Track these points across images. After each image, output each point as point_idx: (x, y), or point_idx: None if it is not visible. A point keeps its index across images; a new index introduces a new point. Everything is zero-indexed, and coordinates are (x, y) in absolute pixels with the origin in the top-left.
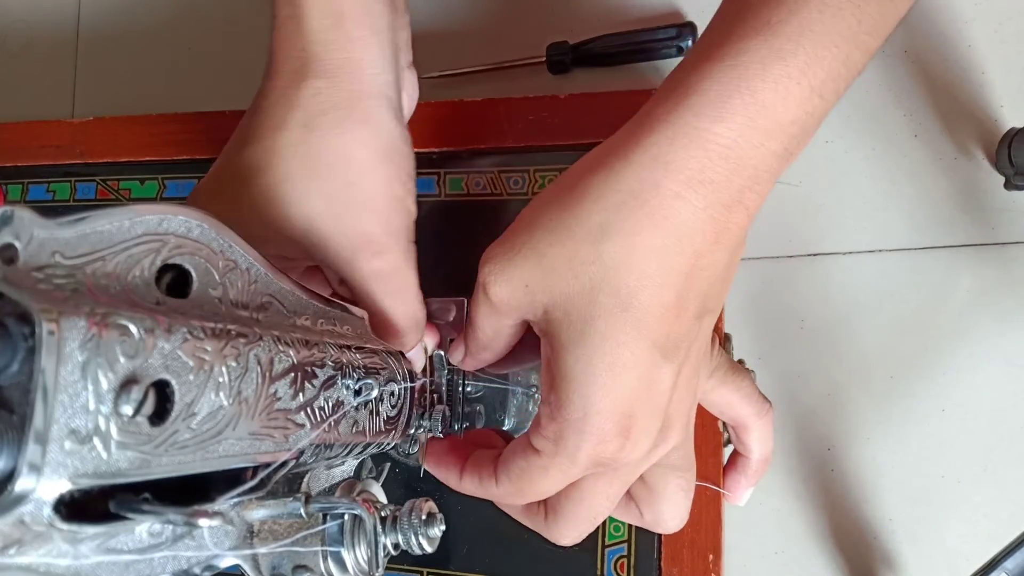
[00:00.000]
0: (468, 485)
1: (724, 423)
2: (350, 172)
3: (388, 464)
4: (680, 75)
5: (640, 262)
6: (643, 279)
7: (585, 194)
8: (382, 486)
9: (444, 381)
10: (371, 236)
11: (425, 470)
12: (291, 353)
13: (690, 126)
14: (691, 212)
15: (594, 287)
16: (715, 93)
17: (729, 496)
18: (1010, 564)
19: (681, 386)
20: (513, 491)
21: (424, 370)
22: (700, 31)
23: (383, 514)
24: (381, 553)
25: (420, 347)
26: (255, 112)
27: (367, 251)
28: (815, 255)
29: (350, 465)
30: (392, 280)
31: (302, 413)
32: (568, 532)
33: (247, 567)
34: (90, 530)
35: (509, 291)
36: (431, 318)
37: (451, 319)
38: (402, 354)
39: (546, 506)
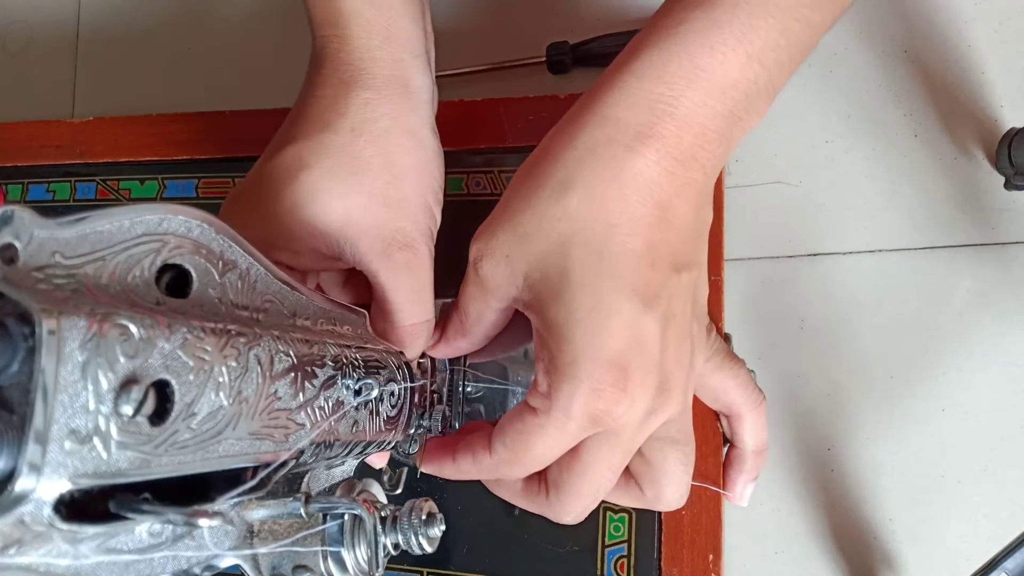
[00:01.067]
0: (462, 464)
1: (720, 420)
2: (392, 176)
3: (406, 469)
4: (629, 48)
5: (604, 212)
6: (609, 228)
7: (546, 157)
8: (399, 492)
9: (444, 381)
10: (405, 232)
11: (400, 491)
12: (291, 353)
13: (634, 87)
14: (645, 164)
15: (564, 241)
16: (656, 58)
17: (729, 495)
18: (1010, 564)
19: (672, 344)
20: (509, 458)
21: (424, 370)
22: None
23: (383, 514)
24: (381, 553)
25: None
26: (301, 117)
27: (398, 244)
28: (815, 255)
29: (350, 465)
30: (417, 274)
31: (302, 413)
32: (571, 507)
33: (247, 567)
34: (90, 530)
35: (492, 264)
36: None
37: None
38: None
39: (547, 483)
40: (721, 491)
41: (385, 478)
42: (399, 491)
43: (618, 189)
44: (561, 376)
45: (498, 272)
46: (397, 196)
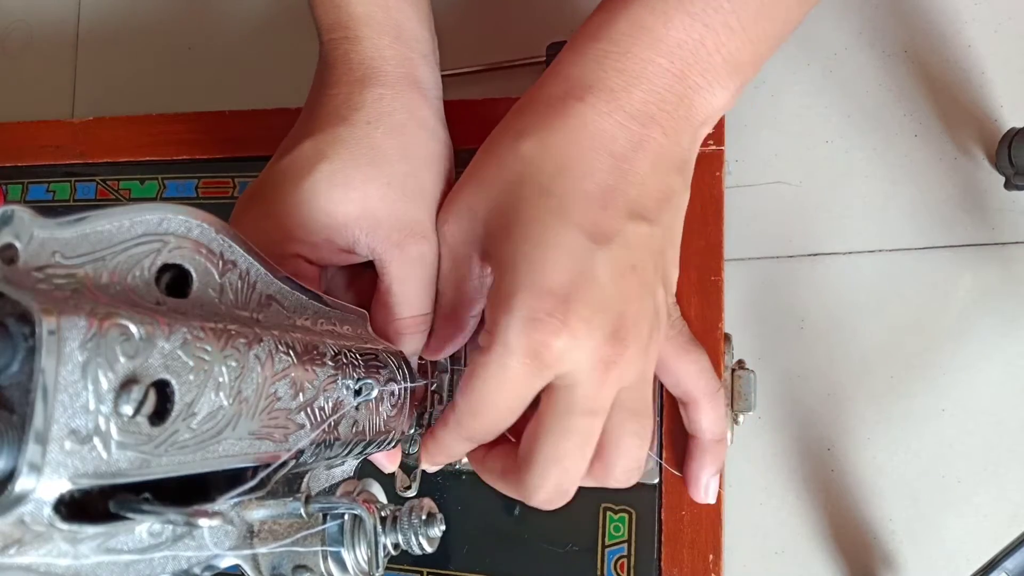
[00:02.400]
0: (438, 432)
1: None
2: (408, 166)
3: (420, 470)
4: (588, 17)
5: (555, 154)
6: (560, 168)
7: (509, 114)
8: (414, 494)
9: (444, 381)
10: (422, 223)
11: (414, 494)
12: (291, 353)
13: (587, 47)
14: (596, 115)
15: (516, 182)
16: (602, 19)
17: (693, 491)
18: (1010, 564)
19: (631, 292)
20: (466, 408)
21: (424, 370)
22: None
23: (383, 514)
24: (381, 553)
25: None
26: (316, 114)
27: (416, 235)
28: (815, 255)
29: (350, 465)
30: (427, 268)
31: (302, 413)
32: (540, 480)
33: (247, 567)
34: (90, 530)
35: (455, 220)
36: None
37: None
38: (402, 353)
39: (519, 460)
40: (676, 472)
41: (398, 482)
42: (414, 493)
43: (570, 135)
44: (500, 308)
45: (462, 227)
46: (415, 187)
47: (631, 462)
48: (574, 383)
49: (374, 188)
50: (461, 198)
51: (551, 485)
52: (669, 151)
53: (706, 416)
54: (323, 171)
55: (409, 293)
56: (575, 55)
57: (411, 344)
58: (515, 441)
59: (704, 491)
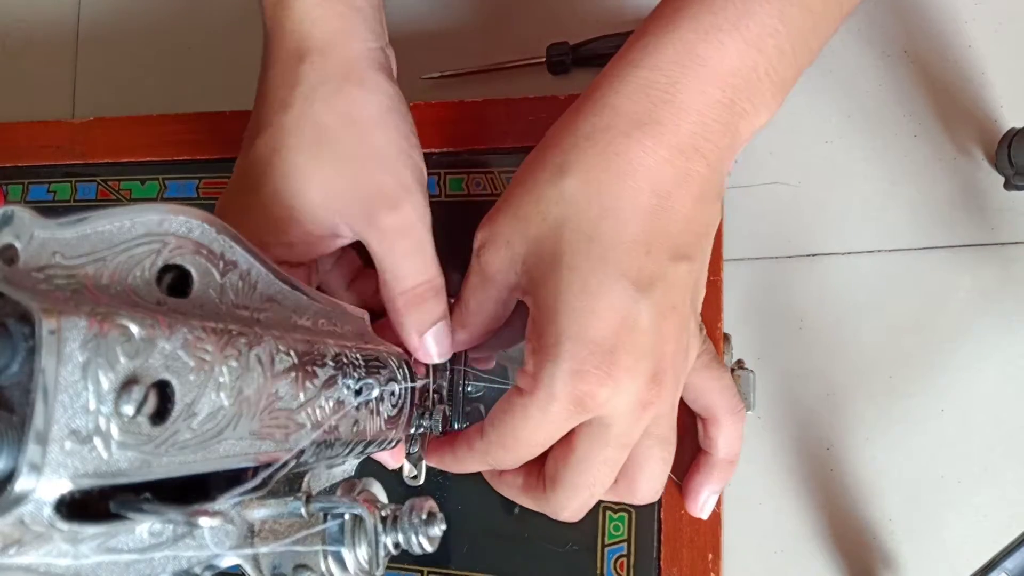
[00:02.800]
0: (459, 452)
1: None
2: (355, 132)
3: (424, 461)
4: (629, 39)
5: (599, 195)
6: (604, 211)
7: (546, 145)
8: (422, 483)
9: (445, 381)
10: (385, 189)
11: (423, 473)
12: (292, 353)
13: (631, 75)
14: (642, 151)
15: (559, 224)
16: (652, 46)
17: (689, 504)
18: (1010, 564)
19: (670, 335)
20: (497, 441)
21: (424, 370)
22: None
23: (384, 513)
24: (382, 552)
25: (443, 331)
26: (261, 102)
27: (383, 206)
28: (815, 255)
29: (351, 465)
30: (410, 235)
31: (303, 413)
32: (567, 502)
33: (248, 567)
34: (90, 530)
35: (494, 251)
36: None
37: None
38: (404, 353)
39: (544, 477)
40: (675, 480)
41: (405, 470)
42: (422, 482)
43: (614, 175)
44: (545, 356)
45: (499, 258)
46: (368, 151)
47: (657, 483)
48: (612, 422)
49: (327, 169)
50: (497, 229)
51: (579, 505)
52: (711, 181)
53: (724, 435)
54: (278, 168)
55: (398, 266)
56: (618, 83)
57: (415, 320)
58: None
59: (701, 507)
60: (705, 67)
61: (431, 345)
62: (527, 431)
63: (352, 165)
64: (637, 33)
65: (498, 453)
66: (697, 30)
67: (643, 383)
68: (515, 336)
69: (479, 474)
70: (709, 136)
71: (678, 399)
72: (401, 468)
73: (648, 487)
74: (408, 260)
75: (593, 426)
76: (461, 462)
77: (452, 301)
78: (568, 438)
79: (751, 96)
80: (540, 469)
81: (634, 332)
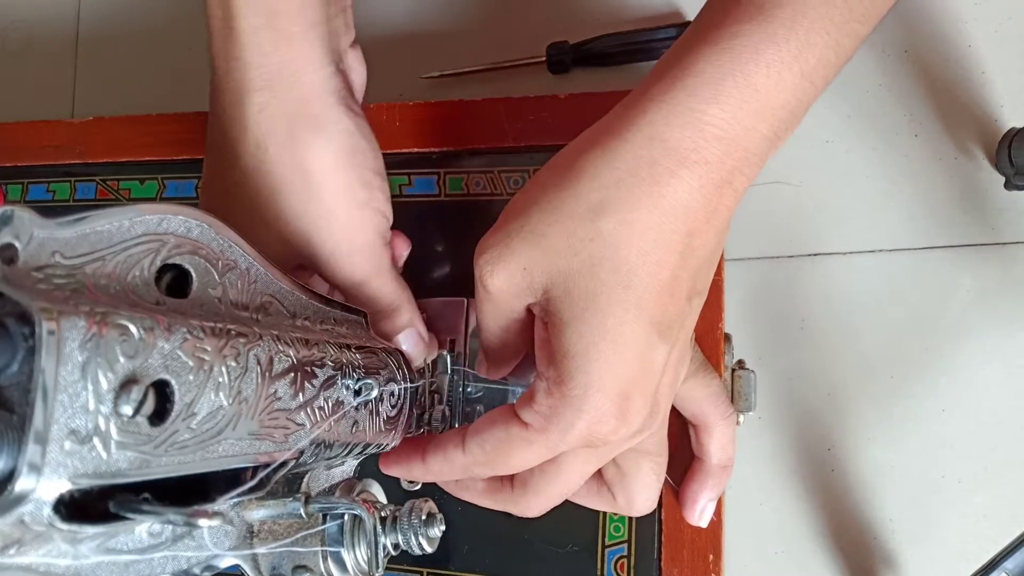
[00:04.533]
0: (433, 464)
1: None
2: (310, 186)
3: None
4: (674, 56)
5: (639, 239)
6: (642, 256)
7: (581, 173)
8: (419, 487)
9: (444, 381)
10: (339, 254)
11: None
12: (291, 353)
13: (684, 106)
14: (686, 190)
15: (595, 264)
16: (709, 75)
17: (687, 511)
18: (1010, 564)
19: (670, 370)
20: (483, 461)
21: (424, 370)
22: None
23: (383, 514)
24: (381, 553)
25: (413, 334)
26: (212, 146)
27: (338, 266)
28: (815, 255)
29: (350, 465)
30: (367, 286)
31: (302, 413)
32: (536, 506)
33: (247, 567)
34: (90, 530)
35: (506, 277)
36: (432, 321)
37: (451, 319)
38: (402, 353)
39: (513, 481)
40: (673, 485)
41: (405, 482)
42: (419, 486)
43: (657, 217)
44: (567, 404)
45: (513, 284)
46: (322, 211)
47: (651, 495)
48: (605, 447)
49: (284, 225)
50: (513, 256)
51: (546, 505)
52: (732, 212)
53: (715, 441)
54: (236, 219)
55: (356, 299)
56: (669, 113)
57: (413, 351)
58: None
59: (699, 514)
60: (760, 102)
61: (401, 345)
62: (523, 460)
63: (308, 225)
64: (686, 52)
65: (479, 469)
66: (759, 62)
67: (644, 418)
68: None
69: None
70: (744, 169)
71: (667, 416)
72: None
73: (644, 498)
74: (365, 296)
75: (584, 449)
76: (432, 473)
77: (451, 300)
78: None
79: (790, 127)
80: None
81: (648, 376)
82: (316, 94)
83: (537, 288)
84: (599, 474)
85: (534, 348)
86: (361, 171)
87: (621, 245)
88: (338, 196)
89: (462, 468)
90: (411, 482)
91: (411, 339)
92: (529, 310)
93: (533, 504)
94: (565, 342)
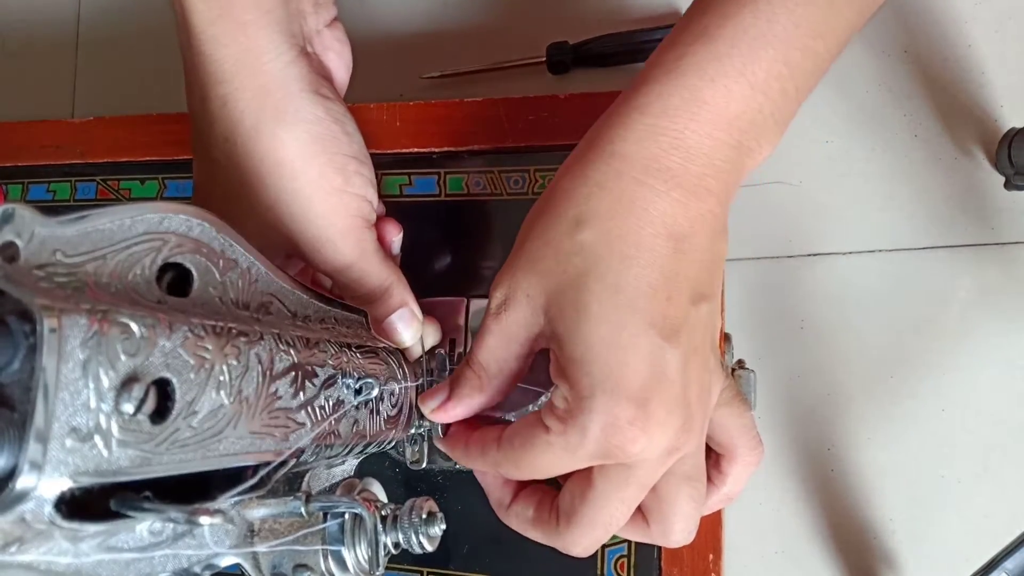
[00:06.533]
0: (472, 450)
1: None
2: (281, 177)
3: (426, 444)
4: (633, 84)
5: (619, 245)
6: (625, 260)
7: (558, 195)
8: (424, 466)
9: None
10: (320, 241)
11: (424, 466)
12: (292, 352)
13: (638, 122)
14: (655, 195)
15: (580, 275)
16: (657, 93)
17: None
18: (1010, 564)
19: (694, 380)
20: (512, 458)
21: (424, 370)
22: None
23: (383, 513)
24: (381, 552)
25: (407, 313)
26: (192, 141)
27: (321, 252)
28: (815, 255)
29: (351, 464)
30: (351, 271)
31: (303, 412)
32: (581, 539)
33: (247, 566)
34: (91, 528)
35: (515, 308)
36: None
37: (451, 319)
38: (402, 353)
39: (558, 513)
40: None
41: (408, 454)
42: (424, 465)
43: (632, 222)
44: (578, 407)
45: (521, 314)
46: (298, 201)
47: (690, 523)
48: (637, 466)
49: (261, 218)
50: (516, 284)
51: (592, 542)
52: (720, 218)
53: (735, 472)
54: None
55: (345, 286)
56: (625, 130)
57: (396, 315)
58: (544, 484)
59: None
60: (712, 112)
61: (395, 325)
62: (546, 465)
63: (284, 217)
64: (640, 79)
65: (508, 468)
66: (703, 77)
67: (673, 433)
68: (525, 397)
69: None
70: (717, 175)
71: (704, 439)
72: (404, 454)
73: (682, 527)
74: (361, 286)
75: (616, 467)
76: (469, 457)
77: (453, 301)
78: (586, 473)
79: (756, 135)
80: (552, 502)
81: (664, 383)
82: (277, 83)
83: (539, 312)
84: None
85: (521, 379)
86: (333, 157)
87: (603, 253)
88: (311, 185)
89: (493, 462)
90: (414, 462)
91: (404, 318)
92: (530, 352)
93: (578, 538)
94: (570, 352)
